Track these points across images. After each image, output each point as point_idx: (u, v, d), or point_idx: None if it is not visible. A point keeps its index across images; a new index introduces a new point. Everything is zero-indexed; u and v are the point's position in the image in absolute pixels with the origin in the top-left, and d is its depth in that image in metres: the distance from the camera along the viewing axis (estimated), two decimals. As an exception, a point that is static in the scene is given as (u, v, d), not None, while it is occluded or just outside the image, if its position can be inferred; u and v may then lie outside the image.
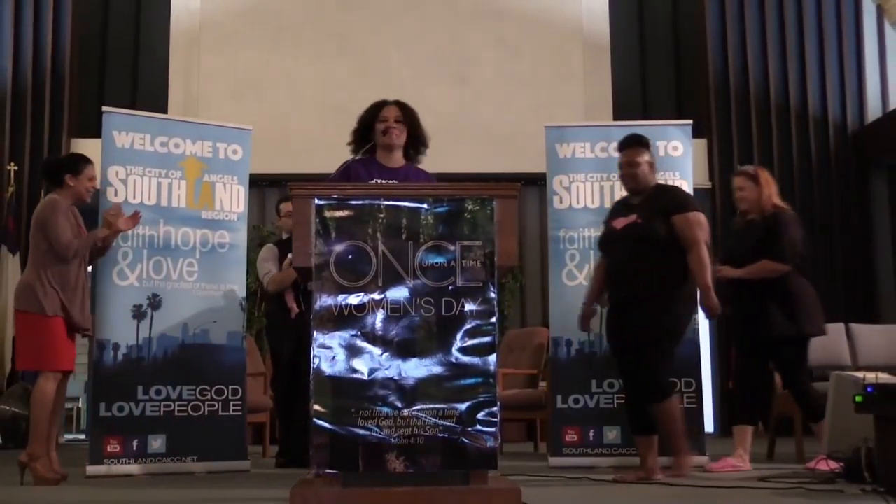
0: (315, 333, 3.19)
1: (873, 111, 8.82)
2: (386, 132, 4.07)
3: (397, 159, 4.13)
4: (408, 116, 4.13)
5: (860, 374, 4.22)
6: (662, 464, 4.67)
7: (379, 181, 3.99)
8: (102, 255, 4.99)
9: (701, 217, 4.46)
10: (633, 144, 4.57)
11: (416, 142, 4.18)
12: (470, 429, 3.15)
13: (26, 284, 4.67)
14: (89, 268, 5.12)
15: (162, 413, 5.04)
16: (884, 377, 3.98)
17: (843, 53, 8.83)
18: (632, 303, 4.39)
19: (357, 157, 4.14)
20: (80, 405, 8.96)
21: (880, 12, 9.02)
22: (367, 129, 4.13)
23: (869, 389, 3.78)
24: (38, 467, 4.53)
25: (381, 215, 3.26)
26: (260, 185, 8.25)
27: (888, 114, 8.71)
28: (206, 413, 5.12)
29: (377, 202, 3.28)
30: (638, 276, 4.34)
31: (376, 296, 3.22)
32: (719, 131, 8.70)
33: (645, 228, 4.35)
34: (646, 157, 4.53)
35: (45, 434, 4.60)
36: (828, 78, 8.77)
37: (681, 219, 4.36)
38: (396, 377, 3.17)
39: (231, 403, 5.18)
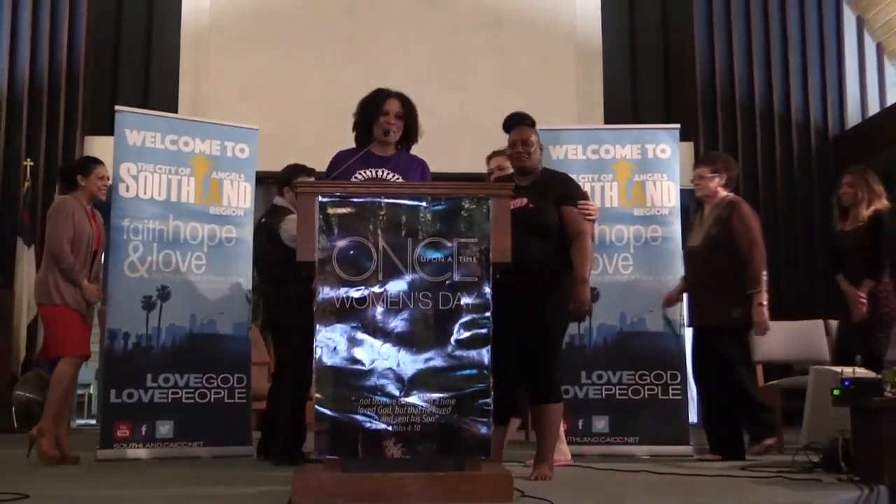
0: (317, 325, 3.27)
1: (853, 117, 8.97)
2: (386, 131, 3.99)
3: (390, 148, 4.08)
4: (408, 112, 4.06)
5: (838, 369, 4.28)
6: (654, 454, 4.80)
7: (372, 171, 3.96)
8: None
9: None
10: (524, 123, 4.27)
11: (409, 135, 4.10)
12: (465, 417, 3.23)
13: (40, 279, 4.91)
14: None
15: (170, 400, 5.19)
16: (860, 372, 4.07)
17: (824, 61, 8.98)
18: (520, 290, 3.98)
19: (351, 148, 4.11)
20: (91, 391, 9.06)
21: (860, 23, 9.19)
22: (369, 119, 4.06)
23: (846, 383, 3.91)
24: (44, 443, 4.72)
25: (382, 212, 3.33)
26: (266, 182, 8.37)
27: (867, 120, 8.88)
28: (212, 400, 5.26)
29: (378, 200, 3.34)
30: (527, 264, 3.93)
31: (376, 289, 3.28)
32: (706, 135, 8.81)
33: (538, 215, 4.11)
34: (535, 137, 4.24)
35: (57, 414, 4.79)
36: (810, 85, 8.92)
37: (572, 209, 4.16)
38: (395, 367, 3.25)
39: (236, 391, 5.32)
